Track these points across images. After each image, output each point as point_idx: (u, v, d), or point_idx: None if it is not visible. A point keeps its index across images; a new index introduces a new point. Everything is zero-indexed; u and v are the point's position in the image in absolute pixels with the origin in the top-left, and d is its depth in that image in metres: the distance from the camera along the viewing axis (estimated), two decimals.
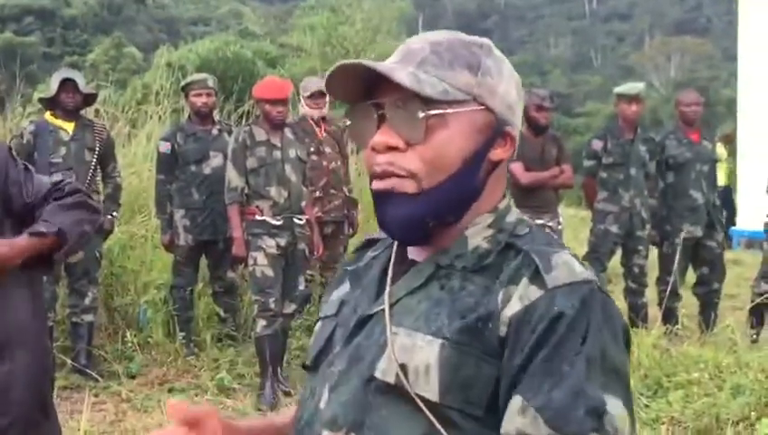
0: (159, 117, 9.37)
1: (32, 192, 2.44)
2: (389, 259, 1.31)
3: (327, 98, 6.80)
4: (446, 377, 1.12)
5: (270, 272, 5.59)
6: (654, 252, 7.24)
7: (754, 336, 6.57)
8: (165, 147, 6.38)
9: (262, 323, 5.60)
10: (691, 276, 7.25)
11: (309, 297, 6.74)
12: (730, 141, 12.86)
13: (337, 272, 1.49)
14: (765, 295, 6.75)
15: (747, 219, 11.42)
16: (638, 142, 6.84)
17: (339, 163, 6.82)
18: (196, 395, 5.51)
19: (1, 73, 14.86)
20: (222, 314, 6.62)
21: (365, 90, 1.24)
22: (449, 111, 1.20)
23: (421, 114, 1.18)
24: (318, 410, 1.22)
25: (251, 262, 5.64)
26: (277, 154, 5.70)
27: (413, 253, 1.28)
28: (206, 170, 6.30)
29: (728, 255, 7.42)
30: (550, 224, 6.34)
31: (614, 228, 6.79)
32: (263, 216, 5.62)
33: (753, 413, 4.41)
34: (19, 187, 2.43)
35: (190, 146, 6.33)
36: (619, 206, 6.78)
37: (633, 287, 6.96)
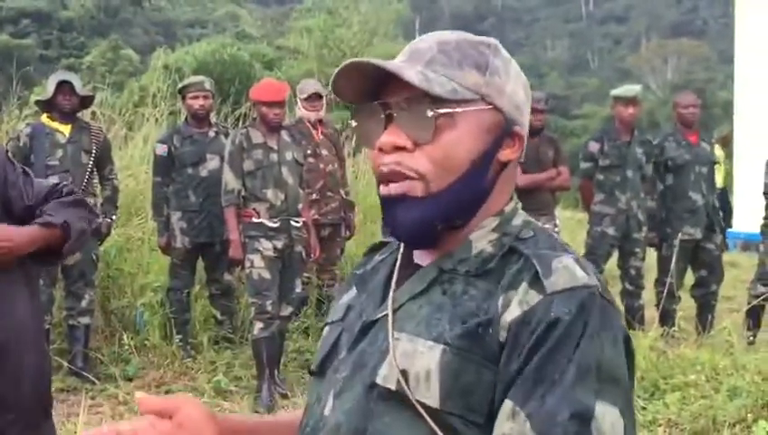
0: (156, 119, 9.37)
1: (32, 195, 2.44)
2: (395, 263, 1.30)
3: (324, 100, 6.80)
4: (447, 383, 1.11)
5: (267, 274, 5.59)
6: (653, 254, 7.25)
7: (751, 338, 6.58)
8: (161, 149, 6.38)
9: (259, 325, 5.59)
10: (689, 278, 7.25)
11: (306, 300, 6.74)
12: (727, 143, 12.88)
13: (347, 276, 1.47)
14: (762, 297, 6.76)
15: (743, 221, 11.45)
16: (634, 144, 6.85)
17: (335, 166, 6.82)
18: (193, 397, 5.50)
19: None
20: (219, 316, 6.61)
21: (372, 90, 1.23)
22: (458, 110, 1.18)
23: (430, 113, 1.17)
24: (323, 416, 1.21)
25: (248, 264, 5.63)
26: (274, 156, 5.70)
27: (418, 257, 1.26)
28: (203, 173, 6.30)
29: (724, 257, 7.43)
30: (546, 226, 6.33)
31: (611, 230, 6.80)
32: (259, 218, 5.62)
33: (749, 415, 4.42)
34: (19, 190, 2.43)
35: (187, 148, 6.32)
36: (616, 208, 6.78)
37: (630, 289, 6.96)
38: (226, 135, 6.24)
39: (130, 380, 5.84)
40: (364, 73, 1.20)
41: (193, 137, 6.36)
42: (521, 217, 1.25)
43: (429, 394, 1.11)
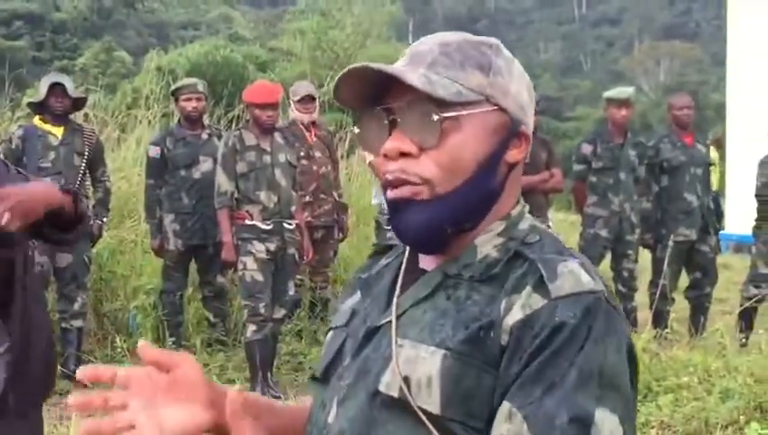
0: (149, 121, 9.37)
1: None
2: (400, 267, 1.28)
3: (317, 102, 6.81)
4: (448, 389, 1.09)
5: (260, 277, 5.58)
6: (647, 255, 7.26)
7: (743, 340, 6.59)
8: (154, 151, 6.37)
9: (252, 327, 5.59)
10: (683, 280, 7.26)
11: (299, 302, 6.74)
12: (721, 145, 12.91)
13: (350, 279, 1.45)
14: (754, 299, 6.78)
15: (736, 223, 11.47)
16: (627, 146, 6.86)
17: (329, 168, 6.82)
18: None
19: None
20: (212, 318, 6.61)
21: (374, 95, 1.20)
22: (464, 112, 1.16)
23: (435, 117, 1.14)
24: (326, 424, 1.20)
25: (240, 267, 5.63)
26: (267, 159, 5.69)
27: (424, 262, 1.24)
28: (196, 175, 6.30)
29: (717, 259, 7.45)
30: None
31: (604, 232, 6.80)
32: (252, 220, 5.62)
33: (741, 417, 4.43)
34: None
35: (180, 150, 6.32)
36: (609, 210, 6.79)
37: (623, 291, 6.97)
38: (219, 137, 6.24)
39: None
40: (365, 78, 1.18)
41: (186, 139, 6.36)
42: (527, 222, 1.23)
43: (430, 400, 1.10)
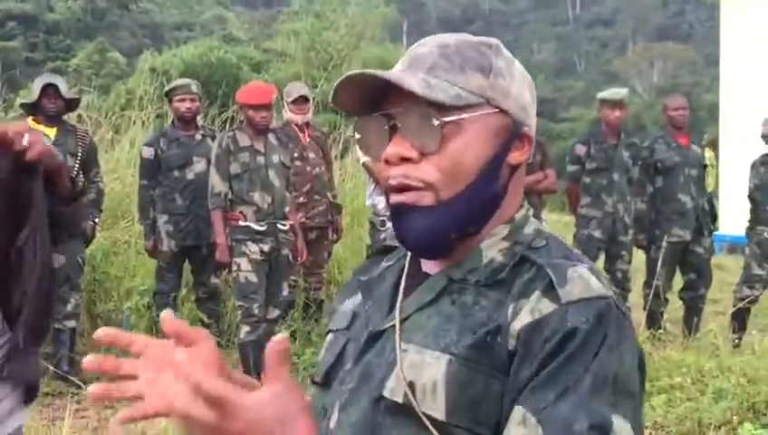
0: (143, 122, 9.35)
1: None
2: (402, 271, 1.26)
3: (310, 103, 6.80)
4: (453, 395, 1.08)
5: (253, 277, 5.58)
6: (642, 256, 7.26)
7: (736, 341, 6.61)
8: (148, 152, 6.36)
9: (245, 328, 5.58)
10: (677, 281, 7.27)
11: (292, 303, 6.73)
12: (716, 147, 12.92)
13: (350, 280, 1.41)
14: (747, 300, 6.80)
15: (729, 224, 11.49)
16: (621, 147, 6.86)
17: (323, 169, 6.81)
18: None
19: None
20: (205, 319, 6.59)
21: (373, 100, 1.19)
22: (464, 116, 1.14)
23: (436, 122, 1.13)
24: (328, 429, 1.18)
25: (234, 268, 5.62)
26: (261, 159, 5.69)
27: (427, 265, 1.23)
28: (190, 176, 6.29)
29: (711, 260, 7.46)
30: None
31: (597, 233, 6.81)
32: (246, 221, 5.61)
33: (734, 417, 4.44)
34: None
35: (173, 151, 6.31)
36: (603, 211, 6.80)
37: (616, 292, 6.92)
38: (213, 138, 6.23)
39: None
40: (364, 84, 1.17)
41: (180, 140, 6.35)
42: (532, 226, 1.22)
43: (435, 406, 1.08)
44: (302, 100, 6.68)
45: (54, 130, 5.96)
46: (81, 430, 4.92)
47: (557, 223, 12.77)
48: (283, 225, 5.73)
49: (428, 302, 1.17)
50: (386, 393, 1.12)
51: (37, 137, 2.02)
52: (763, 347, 5.67)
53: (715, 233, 10.36)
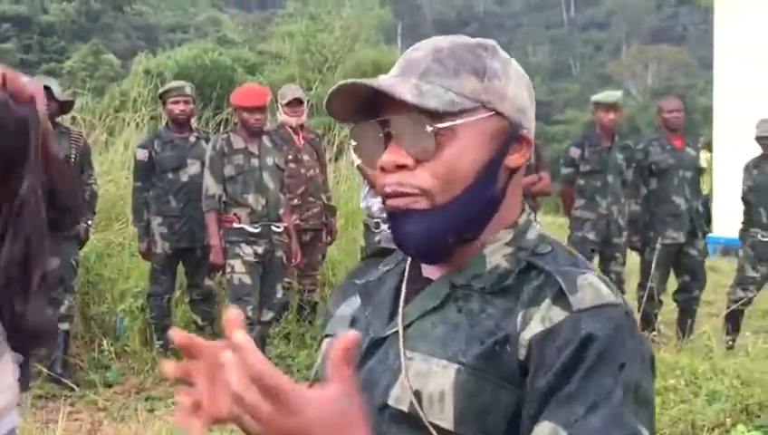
0: (137, 124, 9.35)
1: None
2: (403, 275, 1.25)
3: (305, 106, 6.81)
4: (462, 404, 1.07)
5: (247, 279, 5.58)
6: (636, 258, 7.27)
7: (730, 343, 6.62)
8: (142, 154, 6.36)
9: None
10: (671, 283, 7.28)
11: (287, 305, 6.74)
12: (711, 149, 12.95)
13: (342, 283, 1.39)
14: (741, 302, 6.81)
15: (723, 227, 11.52)
16: (615, 150, 6.87)
17: (317, 171, 6.82)
18: (174, 404, 5.48)
19: None
20: (199, 321, 6.58)
21: (368, 107, 1.17)
22: (458, 121, 1.13)
23: (429, 129, 1.11)
24: None
25: (228, 270, 5.62)
26: (255, 162, 5.69)
27: (428, 270, 1.21)
28: (184, 178, 6.28)
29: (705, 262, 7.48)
30: None
31: (591, 235, 6.81)
32: (240, 223, 5.62)
33: (728, 420, 4.45)
34: None
35: (168, 153, 6.31)
36: (597, 213, 6.80)
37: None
38: (207, 140, 6.23)
39: (110, 386, 5.81)
40: (357, 93, 1.16)
41: (174, 142, 6.34)
42: (535, 231, 1.20)
43: (443, 416, 1.07)
44: (297, 102, 6.68)
45: None
46: (75, 432, 4.91)
47: (551, 225, 12.78)
48: (278, 227, 5.73)
49: (432, 309, 1.16)
50: (390, 402, 1.12)
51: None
52: (756, 349, 5.69)
53: (709, 235, 10.40)
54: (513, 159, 1.18)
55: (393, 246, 1.24)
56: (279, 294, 5.89)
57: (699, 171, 7.28)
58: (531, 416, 1.04)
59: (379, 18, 32.77)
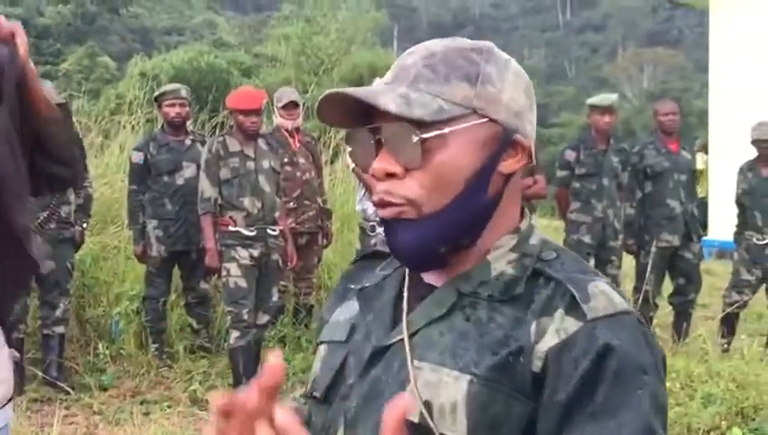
0: (133, 127, 9.34)
1: None
2: (403, 281, 1.23)
3: (300, 108, 6.80)
4: (475, 416, 1.04)
5: (243, 283, 5.57)
6: (631, 261, 7.27)
7: (725, 346, 6.63)
8: (138, 157, 6.35)
9: (235, 334, 5.57)
10: (667, 286, 7.29)
11: (282, 308, 6.73)
12: (707, 152, 12.95)
13: (336, 287, 1.38)
14: (736, 305, 6.82)
15: (718, 230, 11.53)
16: (610, 153, 6.87)
17: (313, 174, 6.81)
18: (169, 407, 5.47)
19: None
20: (195, 325, 6.58)
21: (361, 112, 1.15)
22: (446, 130, 1.10)
23: (415, 138, 1.09)
24: None
25: (224, 273, 5.62)
26: (251, 165, 5.69)
27: (429, 277, 1.20)
28: (179, 181, 6.28)
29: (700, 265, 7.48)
30: None
31: (587, 239, 6.81)
32: (236, 226, 5.61)
33: (723, 422, 4.45)
34: None
35: (163, 156, 6.30)
36: (592, 216, 6.80)
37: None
38: (203, 143, 6.22)
39: (105, 389, 5.80)
40: (347, 100, 1.14)
41: (169, 145, 6.34)
42: (537, 236, 1.19)
43: (455, 428, 1.05)
44: (293, 105, 6.68)
45: None
46: None
47: (547, 228, 12.79)
48: (273, 230, 5.73)
49: (439, 317, 1.14)
50: None
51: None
52: (751, 352, 5.69)
53: (704, 238, 10.40)
54: (508, 165, 1.16)
55: (388, 249, 1.22)
56: (275, 298, 5.88)
57: (694, 174, 7.28)
58: (549, 430, 1.03)
59: (374, 21, 32.82)
